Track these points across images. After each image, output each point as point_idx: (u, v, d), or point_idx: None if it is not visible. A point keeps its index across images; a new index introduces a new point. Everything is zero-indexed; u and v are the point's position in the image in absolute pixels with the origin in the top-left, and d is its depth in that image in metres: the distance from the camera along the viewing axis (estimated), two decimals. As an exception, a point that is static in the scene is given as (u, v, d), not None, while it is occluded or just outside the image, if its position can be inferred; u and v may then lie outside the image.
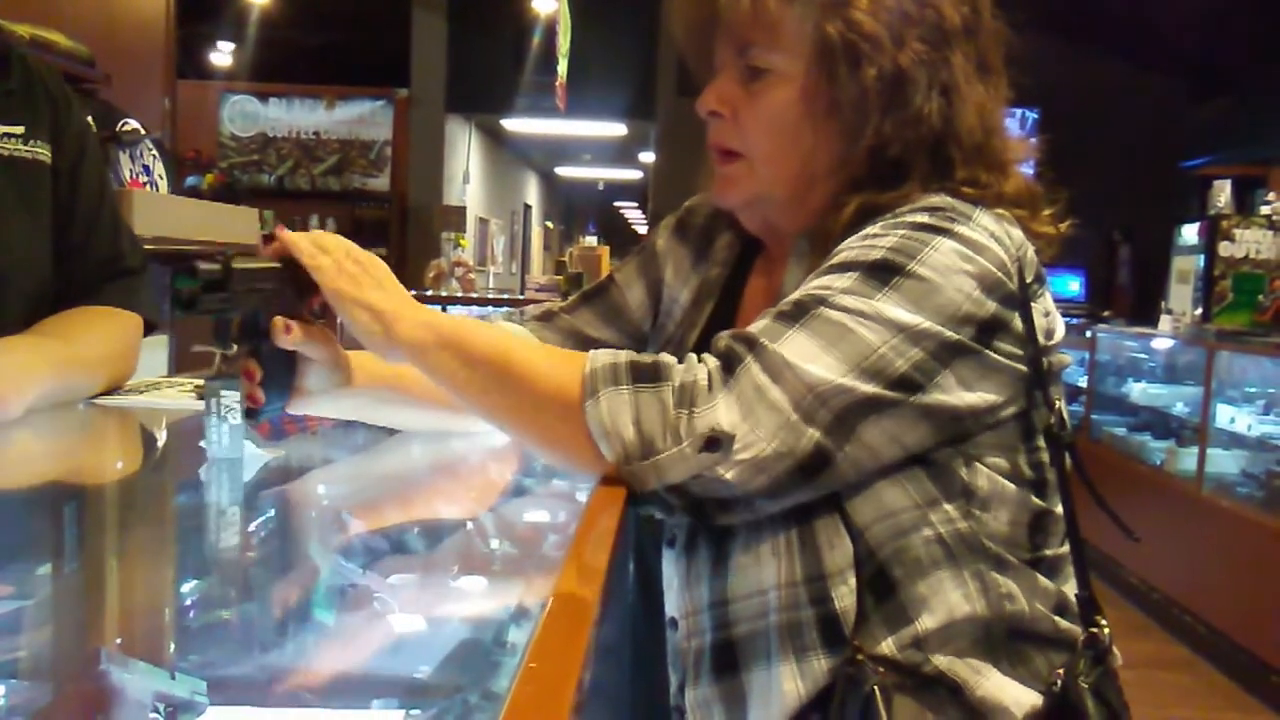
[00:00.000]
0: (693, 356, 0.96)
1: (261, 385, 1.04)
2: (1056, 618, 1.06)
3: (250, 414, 1.05)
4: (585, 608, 0.69)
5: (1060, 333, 1.09)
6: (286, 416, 1.09)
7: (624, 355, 0.97)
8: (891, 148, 1.07)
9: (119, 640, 0.84)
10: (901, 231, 1.00)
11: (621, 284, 1.32)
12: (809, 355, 0.94)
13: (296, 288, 1.02)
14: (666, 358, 0.97)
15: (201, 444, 1.15)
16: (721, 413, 0.92)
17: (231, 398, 1.03)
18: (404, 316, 1.00)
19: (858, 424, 0.94)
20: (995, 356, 1.00)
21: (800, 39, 1.07)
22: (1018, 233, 1.06)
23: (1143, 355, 5.74)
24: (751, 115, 1.11)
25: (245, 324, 1.02)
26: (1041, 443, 1.07)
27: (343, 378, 1.11)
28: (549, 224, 18.76)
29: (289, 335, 1.03)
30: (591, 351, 0.98)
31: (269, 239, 1.03)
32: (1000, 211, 1.06)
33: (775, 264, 1.20)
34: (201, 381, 1.58)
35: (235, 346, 1.02)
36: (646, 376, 0.95)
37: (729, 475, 0.92)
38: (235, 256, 0.99)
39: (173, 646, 0.85)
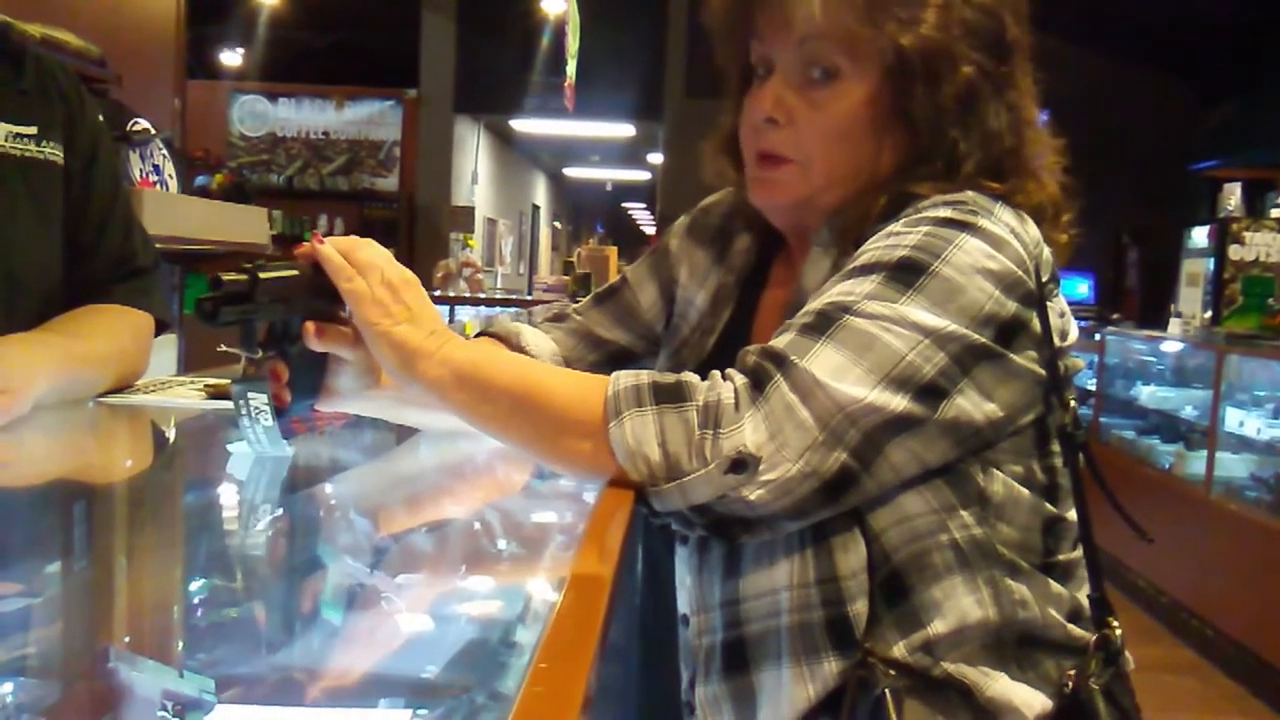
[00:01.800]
0: (716, 374, 0.95)
1: (289, 385, 1.03)
2: (1069, 624, 1.06)
3: (278, 413, 1.04)
4: (594, 608, 0.69)
5: (1074, 335, 1.08)
6: (294, 415, 1.09)
7: (646, 375, 0.95)
8: (966, 164, 1.05)
9: (127, 638, 0.84)
10: (924, 229, 0.99)
11: (634, 284, 1.30)
12: (838, 370, 0.92)
13: (329, 291, 1.01)
14: (689, 376, 0.95)
15: (232, 447, 1.14)
16: (748, 433, 0.90)
17: (260, 399, 1.02)
18: (426, 354, 0.98)
19: (885, 444, 0.93)
20: (1016, 360, 0.99)
21: (872, 49, 1.05)
22: (1034, 231, 1.05)
23: (1151, 358, 5.73)
24: (812, 123, 1.08)
25: (273, 328, 1.01)
26: (1055, 447, 1.07)
27: (373, 379, 1.10)
28: (557, 224, 18.77)
29: (320, 339, 1.02)
30: (614, 373, 0.96)
31: (284, 240, 1.02)
32: (1020, 211, 1.06)
33: (795, 265, 1.18)
34: (211, 381, 1.59)
35: (262, 352, 1.01)
36: (670, 397, 0.93)
37: (752, 496, 0.91)
38: (263, 265, 0.98)
39: (181, 645, 0.85)
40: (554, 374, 1.03)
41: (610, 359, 1.27)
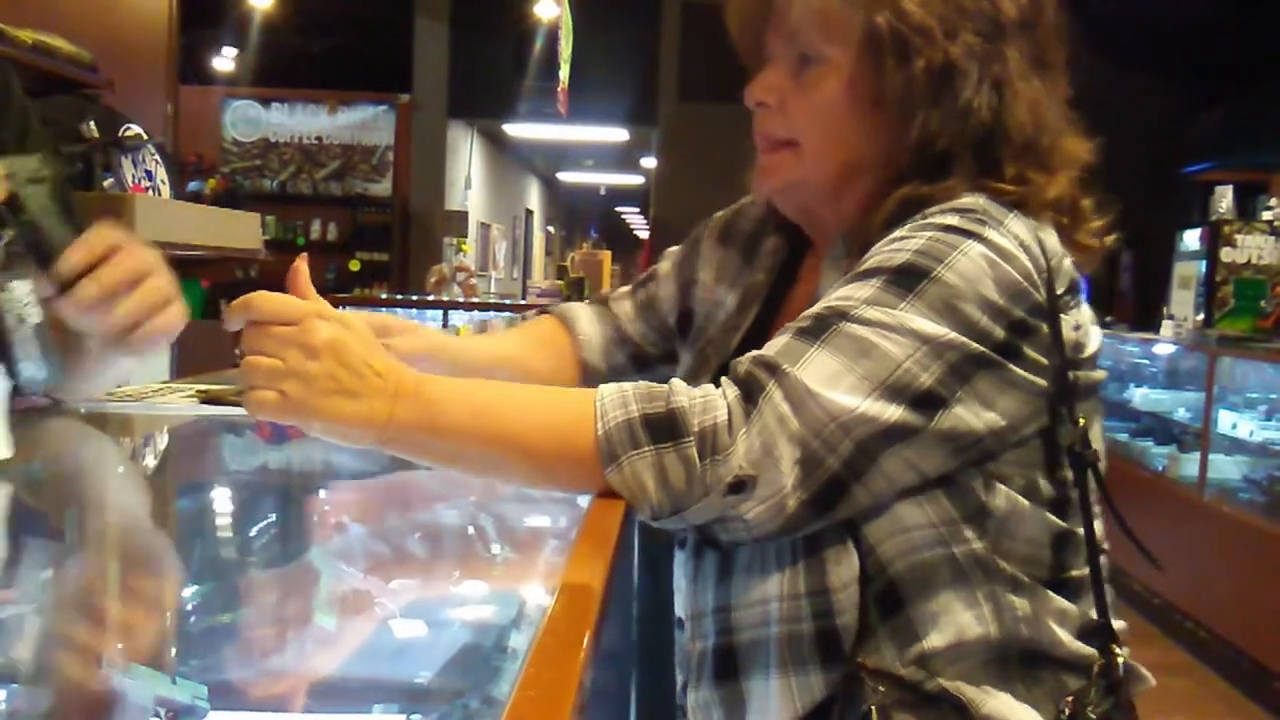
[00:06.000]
0: (710, 388, 0.93)
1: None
2: (1075, 641, 1.03)
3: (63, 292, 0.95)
4: (586, 613, 0.69)
5: (1093, 346, 1.04)
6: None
7: (635, 402, 0.92)
8: (938, 142, 1.03)
9: (120, 645, 0.84)
10: (929, 234, 0.98)
11: (660, 276, 1.33)
12: (831, 378, 0.91)
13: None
14: (679, 398, 0.91)
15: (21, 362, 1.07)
16: (742, 454, 0.89)
17: (22, 289, 0.94)
18: (360, 433, 0.89)
19: (879, 454, 0.92)
20: (1016, 370, 0.97)
21: (851, 29, 1.05)
22: (1052, 240, 1.02)
23: (1144, 361, 5.74)
24: (800, 105, 1.09)
25: (12, 203, 0.95)
26: (1066, 460, 1.03)
27: None
28: (551, 229, 18.77)
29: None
30: (599, 400, 0.92)
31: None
32: (1033, 219, 1.03)
33: (820, 267, 1.16)
34: (204, 387, 1.59)
35: (7, 231, 0.95)
36: (667, 433, 0.90)
37: (749, 514, 0.90)
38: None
39: (174, 651, 0.85)
40: (524, 418, 0.95)
41: (631, 360, 1.32)
